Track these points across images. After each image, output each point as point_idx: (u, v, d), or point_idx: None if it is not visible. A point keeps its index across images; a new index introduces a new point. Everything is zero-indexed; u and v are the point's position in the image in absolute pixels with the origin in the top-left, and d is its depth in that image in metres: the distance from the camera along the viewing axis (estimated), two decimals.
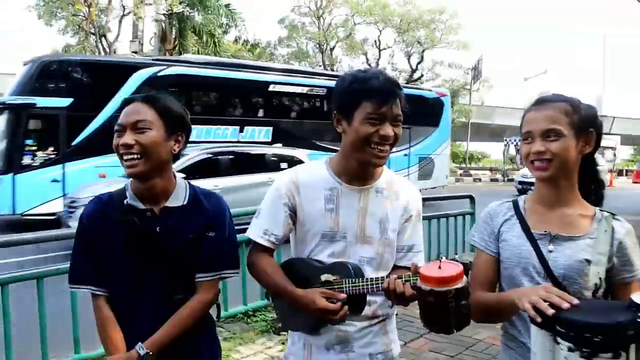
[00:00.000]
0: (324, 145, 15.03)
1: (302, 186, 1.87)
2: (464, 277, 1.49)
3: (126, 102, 1.83)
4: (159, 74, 13.16)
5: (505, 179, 33.58)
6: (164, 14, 23.80)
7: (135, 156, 1.76)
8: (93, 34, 25.19)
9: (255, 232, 1.90)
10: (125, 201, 1.83)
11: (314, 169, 1.93)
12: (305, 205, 1.86)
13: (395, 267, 1.91)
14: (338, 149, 1.92)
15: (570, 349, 1.25)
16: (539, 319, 1.34)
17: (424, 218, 7.00)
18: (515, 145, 33.61)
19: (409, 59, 36.35)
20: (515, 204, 1.77)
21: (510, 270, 1.69)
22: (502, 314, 1.68)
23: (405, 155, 17.50)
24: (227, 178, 9.91)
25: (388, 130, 1.74)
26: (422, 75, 36.64)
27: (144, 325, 1.80)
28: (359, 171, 1.85)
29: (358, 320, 1.86)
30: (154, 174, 1.81)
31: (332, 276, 1.78)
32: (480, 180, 32.88)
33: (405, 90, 1.83)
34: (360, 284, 1.72)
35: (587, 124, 1.65)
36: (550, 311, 1.32)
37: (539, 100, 1.70)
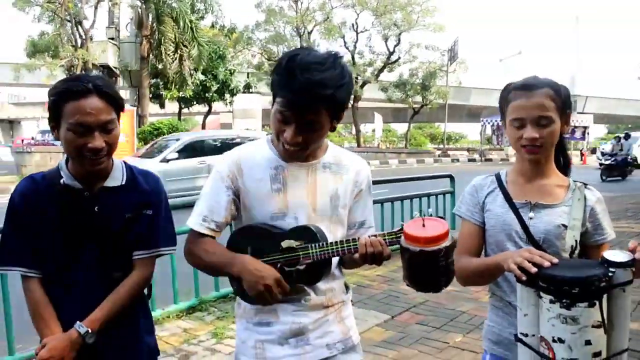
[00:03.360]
0: None
1: (245, 167, 1.76)
2: (450, 234, 1.52)
3: (80, 93, 1.69)
4: None
5: (483, 158, 34.01)
6: (139, 0, 23.52)
7: (103, 158, 1.76)
8: (69, 21, 24.81)
9: (194, 219, 1.77)
10: (61, 181, 1.79)
11: (256, 148, 1.82)
12: (249, 187, 1.75)
13: None
14: None
15: (551, 301, 1.43)
16: (524, 277, 1.51)
17: (406, 198, 7.35)
18: (491, 126, 33.99)
19: (386, 42, 36.41)
20: (498, 177, 1.94)
21: (495, 237, 1.87)
22: (488, 276, 1.86)
23: None
24: None
25: (289, 133, 1.64)
26: (399, 58, 36.75)
27: (79, 305, 1.77)
28: None
29: (312, 310, 1.78)
30: None
31: (294, 242, 1.67)
32: (458, 160, 33.20)
33: None
34: (330, 247, 1.64)
35: (567, 106, 1.82)
36: (534, 269, 1.49)
37: (525, 85, 1.81)
